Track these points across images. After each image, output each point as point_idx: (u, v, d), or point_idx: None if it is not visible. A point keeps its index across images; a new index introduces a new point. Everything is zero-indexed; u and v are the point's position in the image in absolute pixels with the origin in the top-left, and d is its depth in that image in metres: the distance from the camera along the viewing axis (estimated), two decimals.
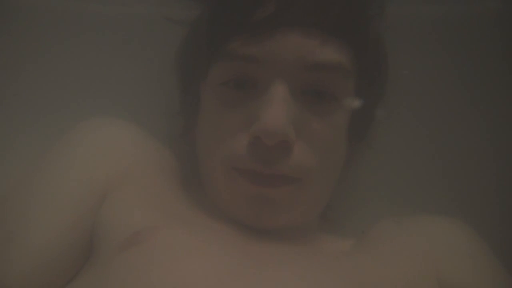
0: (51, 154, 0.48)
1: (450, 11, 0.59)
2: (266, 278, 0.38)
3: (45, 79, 0.58)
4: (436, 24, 0.59)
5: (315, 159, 0.43)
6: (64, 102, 0.57)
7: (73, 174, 0.45)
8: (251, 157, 0.42)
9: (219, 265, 0.38)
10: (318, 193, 0.46)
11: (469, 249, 0.45)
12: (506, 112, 0.58)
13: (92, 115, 0.51)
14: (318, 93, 0.43)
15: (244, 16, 0.42)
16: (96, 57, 0.59)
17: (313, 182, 0.44)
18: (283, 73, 0.42)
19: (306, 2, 0.42)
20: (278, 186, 0.43)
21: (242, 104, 0.43)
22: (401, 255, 0.44)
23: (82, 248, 0.43)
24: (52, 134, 0.50)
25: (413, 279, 0.43)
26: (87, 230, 0.44)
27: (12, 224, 0.43)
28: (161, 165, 0.50)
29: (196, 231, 0.42)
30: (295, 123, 0.42)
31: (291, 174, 0.43)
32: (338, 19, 0.42)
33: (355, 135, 0.48)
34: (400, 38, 0.54)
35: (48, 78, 0.58)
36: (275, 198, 0.43)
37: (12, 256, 0.41)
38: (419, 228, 0.47)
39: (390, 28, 0.51)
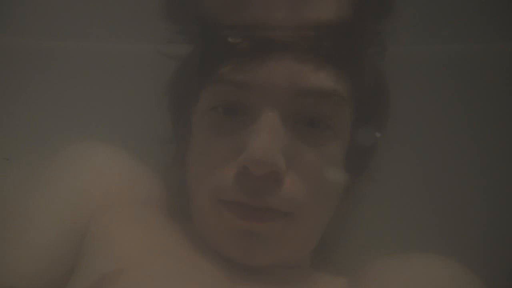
0: (37, 178, 0.46)
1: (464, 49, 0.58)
2: None
3: (38, 106, 0.58)
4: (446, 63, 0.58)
5: (307, 192, 0.40)
6: (57, 128, 0.57)
7: (58, 198, 0.44)
8: (238, 188, 0.39)
9: None
10: (310, 229, 0.43)
11: None
12: None
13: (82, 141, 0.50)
14: (311, 121, 0.41)
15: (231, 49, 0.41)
16: (88, 87, 0.59)
17: (305, 217, 0.41)
18: (275, 100, 0.40)
19: (297, 34, 0.40)
20: (266, 220, 0.40)
21: (232, 132, 0.41)
22: None
23: (59, 277, 0.41)
24: (42, 158, 0.49)
25: None
26: (70, 255, 0.42)
27: None
28: (149, 193, 0.48)
29: (173, 268, 0.39)
30: (286, 153, 0.39)
31: (281, 208, 0.40)
32: (331, 49, 0.40)
33: (353, 167, 0.45)
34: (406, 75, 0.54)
35: (42, 105, 0.58)
36: (263, 233, 0.40)
37: None
38: (413, 269, 0.44)
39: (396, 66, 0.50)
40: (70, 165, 0.47)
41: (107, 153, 0.49)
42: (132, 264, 0.39)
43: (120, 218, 0.44)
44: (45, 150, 0.51)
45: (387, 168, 0.54)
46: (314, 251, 0.48)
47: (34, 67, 0.59)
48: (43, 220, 0.43)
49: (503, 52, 0.58)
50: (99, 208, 0.44)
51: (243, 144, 0.39)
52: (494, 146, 0.57)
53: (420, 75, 0.57)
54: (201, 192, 0.42)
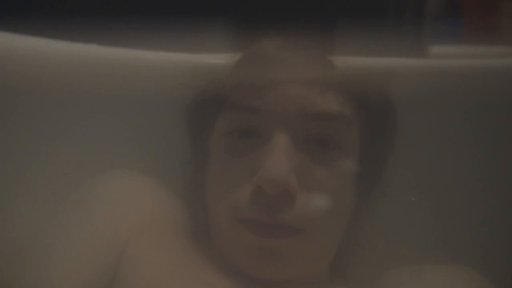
0: (71, 205, 0.48)
1: None
2: None
3: (65, 136, 0.59)
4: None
5: (319, 209, 0.43)
6: (84, 158, 0.58)
7: (94, 225, 0.46)
8: (254, 207, 0.42)
9: None
10: (323, 244, 0.45)
11: None
12: None
13: (109, 169, 0.51)
14: (321, 142, 0.43)
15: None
16: (111, 116, 0.60)
17: (317, 233, 0.43)
18: (285, 124, 0.42)
19: (307, 55, 0.43)
20: (281, 236, 0.42)
21: (246, 154, 0.44)
22: None
23: None
24: (71, 187, 0.51)
25: None
26: (105, 284, 0.43)
27: (29, 276, 0.43)
28: (175, 219, 0.51)
29: None
30: (297, 172, 0.42)
31: (294, 224, 0.42)
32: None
33: (364, 184, 0.47)
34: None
35: (68, 135, 0.59)
36: (278, 249, 0.42)
37: None
38: (427, 280, 0.46)
39: None
40: (106, 192, 0.49)
41: (138, 181, 0.51)
42: (163, 285, 0.41)
43: (150, 244, 0.46)
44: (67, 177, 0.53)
45: (398, 182, 0.56)
46: (330, 267, 0.50)
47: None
48: (84, 247, 0.44)
49: None
50: (134, 234, 0.46)
51: (257, 165, 0.42)
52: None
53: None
54: (219, 211, 0.45)
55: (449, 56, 0.66)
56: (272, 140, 0.42)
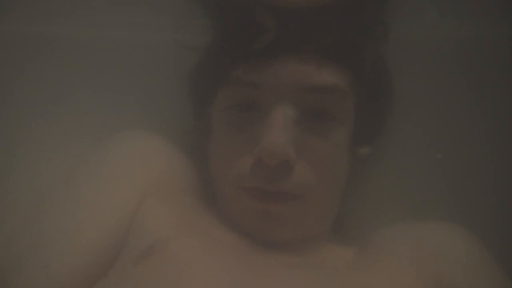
0: (90, 162, 0.51)
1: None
2: None
3: (79, 97, 0.61)
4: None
5: (316, 176, 0.46)
6: (96, 117, 0.61)
7: (114, 180, 0.48)
8: (256, 176, 0.45)
9: (220, 279, 0.41)
10: (320, 208, 0.48)
11: (469, 256, 0.47)
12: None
13: (121, 129, 0.53)
14: (317, 114, 0.46)
15: (247, 45, 0.45)
16: (120, 79, 0.62)
17: (314, 198, 0.47)
18: (283, 97, 0.45)
19: (302, 31, 0.44)
20: (282, 202, 0.46)
21: (247, 127, 0.46)
22: (402, 266, 0.46)
23: (114, 254, 0.45)
24: (85, 144, 0.53)
25: None
26: (123, 237, 0.46)
27: (52, 227, 0.45)
28: (185, 177, 0.53)
29: (205, 244, 0.45)
30: (295, 143, 0.45)
31: (293, 191, 0.45)
32: (333, 45, 0.45)
33: (357, 151, 0.50)
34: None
35: (82, 96, 0.61)
36: (279, 213, 0.46)
37: (50, 260, 0.43)
38: (421, 237, 0.49)
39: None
40: (123, 150, 0.51)
41: (152, 141, 0.53)
42: (176, 235, 0.45)
43: (163, 201, 0.49)
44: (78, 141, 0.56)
45: (394, 145, 0.58)
46: (331, 228, 0.53)
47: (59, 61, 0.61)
48: (102, 202, 0.47)
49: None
50: (149, 190, 0.49)
51: (258, 137, 0.45)
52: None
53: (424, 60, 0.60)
54: (224, 181, 0.48)
55: None
56: (271, 113, 0.45)
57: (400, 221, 0.53)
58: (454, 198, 0.59)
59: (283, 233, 0.48)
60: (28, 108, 0.60)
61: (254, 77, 0.45)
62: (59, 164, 0.55)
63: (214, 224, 0.49)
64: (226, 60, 0.47)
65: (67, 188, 0.49)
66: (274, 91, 0.45)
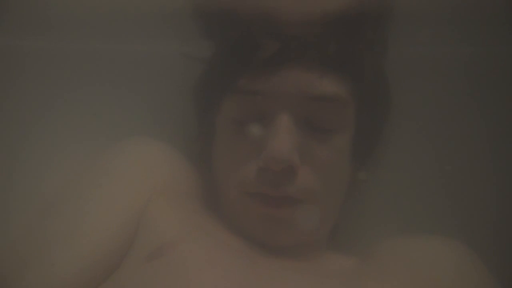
0: (96, 166, 0.52)
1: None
2: None
3: (86, 105, 0.63)
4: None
5: (318, 181, 0.47)
6: (103, 124, 0.63)
7: (119, 183, 0.49)
8: (260, 181, 0.47)
9: (228, 280, 0.42)
10: (323, 213, 0.50)
11: (466, 269, 0.48)
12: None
13: (127, 135, 0.55)
14: (319, 121, 0.47)
15: (251, 56, 0.47)
16: (127, 88, 0.64)
17: (318, 203, 0.48)
18: (287, 105, 0.46)
19: (304, 41, 0.46)
20: (286, 207, 0.47)
21: (251, 134, 0.48)
22: (402, 277, 0.47)
23: (119, 257, 0.46)
24: (93, 151, 0.55)
25: None
26: (128, 239, 0.47)
27: (59, 229, 0.46)
28: (189, 182, 0.55)
29: (212, 246, 0.46)
30: (299, 149, 0.46)
31: (296, 196, 0.47)
32: (334, 55, 0.47)
33: (358, 159, 0.52)
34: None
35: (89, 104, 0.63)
36: (283, 218, 0.47)
37: (56, 259, 0.44)
38: (418, 249, 0.50)
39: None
40: (128, 155, 0.52)
41: (156, 146, 0.54)
42: (183, 238, 0.46)
43: (168, 204, 0.50)
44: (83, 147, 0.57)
45: (395, 154, 0.60)
46: (330, 234, 0.54)
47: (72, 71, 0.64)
48: (109, 205, 0.48)
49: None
50: (154, 194, 0.50)
51: (262, 144, 0.46)
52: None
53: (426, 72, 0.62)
54: (228, 186, 0.50)
55: None
56: (276, 121, 0.46)
57: (398, 232, 0.54)
58: (453, 208, 0.60)
59: (285, 238, 0.49)
60: (36, 114, 0.62)
61: (258, 86, 0.47)
62: (67, 170, 0.56)
63: (219, 228, 0.50)
64: (230, 70, 0.49)
65: (73, 192, 0.50)
66: (277, 99, 0.46)
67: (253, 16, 0.49)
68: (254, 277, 0.43)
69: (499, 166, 0.61)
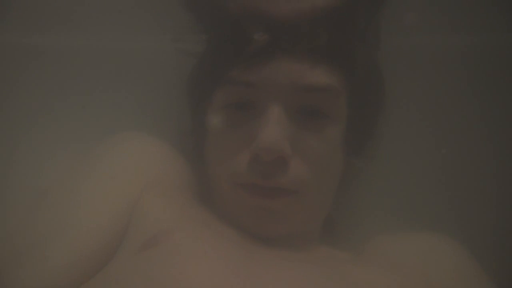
0: (89, 160, 0.52)
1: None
2: (267, 280, 0.42)
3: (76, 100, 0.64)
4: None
5: (310, 172, 0.47)
6: (95, 120, 0.63)
7: (111, 176, 0.50)
8: (252, 172, 0.47)
9: (224, 268, 0.42)
10: (315, 204, 0.50)
11: (457, 264, 0.49)
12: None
13: (119, 131, 0.56)
14: (311, 112, 0.47)
15: (242, 47, 0.47)
16: (119, 83, 0.65)
17: (309, 193, 0.48)
18: (278, 96, 0.46)
19: (295, 32, 0.46)
20: (277, 197, 0.47)
21: (243, 125, 0.48)
22: (394, 271, 0.48)
23: (112, 248, 0.46)
24: (85, 145, 0.55)
25: None
26: (120, 231, 0.47)
27: (51, 222, 0.46)
28: (181, 176, 0.55)
29: (206, 235, 0.46)
30: (290, 140, 0.46)
31: (288, 186, 0.47)
32: (326, 46, 0.46)
33: (351, 150, 0.51)
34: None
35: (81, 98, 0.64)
36: (274, 208, 0.47)
37: (49, 252, 0.44)
38: (412, 246, 0.51)
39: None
40: (121, 149, 0.53)
41: (148, 141, 0.55)
42: (178, 227, 0.46)
43: (160, 197, 0.50)
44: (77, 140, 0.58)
45: (389, 146, 0.59)
46: (322, 227, 0.54)
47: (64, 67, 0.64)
48: (101, 197, 0.48)
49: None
50: (146, 187, 0.50)
51: (253, 134, 0.46)
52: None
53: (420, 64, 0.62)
54: (220, 178, 0.50)
55: None
56: (267, 111, 0.46)
57: (392, 227, 0.54)
58: (448, 201, 0.60)
59: (277, 229, 0.49)
60: (30, 111, 0.62)
61: (250, 77, 0.47)
62: (60, 164, 0.56)
63: (212, 219, 0.50)
64: (222, 61, 0.49)
65: (65, 185, 0.50)
66: (269, 90, 0.46)
67: (244, 8, 0.49)
68: (249, 265, 0.43)
69: (497, 157, 0.61)
